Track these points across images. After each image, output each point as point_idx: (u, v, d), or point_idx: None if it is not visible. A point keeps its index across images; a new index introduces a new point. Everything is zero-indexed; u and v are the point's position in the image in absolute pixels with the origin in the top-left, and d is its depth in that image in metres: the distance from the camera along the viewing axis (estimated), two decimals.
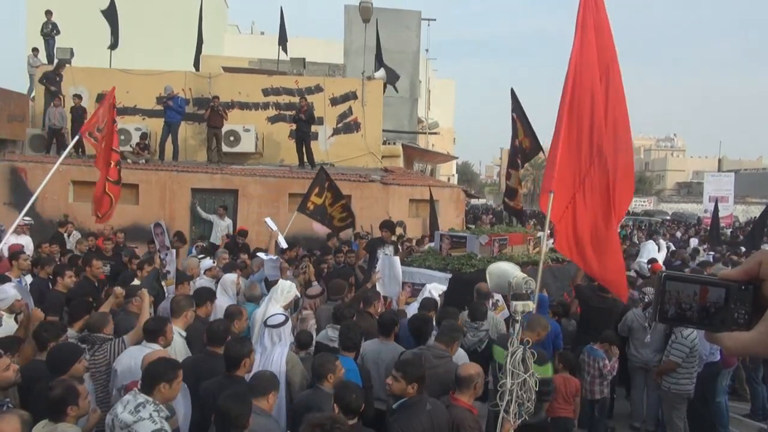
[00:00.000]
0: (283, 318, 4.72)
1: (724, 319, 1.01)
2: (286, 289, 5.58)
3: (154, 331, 4.52)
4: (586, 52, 5.90)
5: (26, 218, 10.93)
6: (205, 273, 7.61)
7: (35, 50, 16.17)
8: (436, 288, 6.55)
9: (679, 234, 21.34)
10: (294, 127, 15.83)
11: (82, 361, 4.04)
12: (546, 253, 8.48)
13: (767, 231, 15.10)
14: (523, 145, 10.33)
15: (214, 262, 8.16)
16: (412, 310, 6.33)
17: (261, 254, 8.59)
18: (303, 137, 14.52)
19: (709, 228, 17.77)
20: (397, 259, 7.41)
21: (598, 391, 6.32)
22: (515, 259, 7.31)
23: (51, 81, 14.61)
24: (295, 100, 15.98)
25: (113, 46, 16.40)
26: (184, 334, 4.96)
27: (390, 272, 7.14)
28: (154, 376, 3.55)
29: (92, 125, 7.64)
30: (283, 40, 17.36)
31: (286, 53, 17.46)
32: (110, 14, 16.39)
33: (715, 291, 1.02)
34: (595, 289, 6.87)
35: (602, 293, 6.74)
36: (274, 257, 7.73)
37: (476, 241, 7.73)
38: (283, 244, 8.70)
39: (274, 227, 8.87)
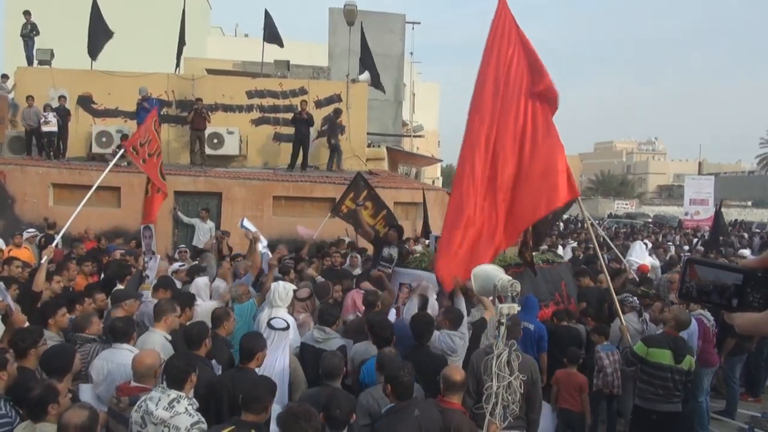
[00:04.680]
0: (285, 324, 4.82)
1: (740, 300, 1.16)
2: (284, 291, 5.68)
3: (125, 332, 4.50)
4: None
5: (30, 230, 10.97)
6: (173, 274, 7.59)
7: (5, 77, 15.50)
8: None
9: (660, 237, 21.55)
10: (279, 128, 15.80)
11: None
12: (537, 255, 8.51)
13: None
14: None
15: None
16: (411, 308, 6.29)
17: (261, 247, 8.48)
18: (302, 139, 14.48)
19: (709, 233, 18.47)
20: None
21: (613, 384, 6.26)
22: (508, 260, 7.32)
23: None
24: (279, 102, 15.92)
25: (92, 54, 16.00)
26: (169, 337, 4.89)
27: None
28: (181, 370, 3.61)
29: (135, 140, 8.28)
30: (271, 39, 17.04)
31: (281, 46, 17.12)
32: (96, 27, 15.98)
33: (733, 276, 1.17)
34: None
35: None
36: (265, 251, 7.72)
37: None
38: (264, 243, 8.54)
39: (253, 228, 8.71)
